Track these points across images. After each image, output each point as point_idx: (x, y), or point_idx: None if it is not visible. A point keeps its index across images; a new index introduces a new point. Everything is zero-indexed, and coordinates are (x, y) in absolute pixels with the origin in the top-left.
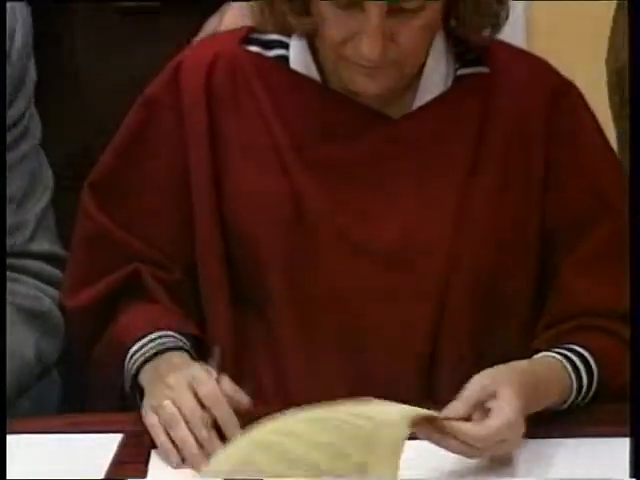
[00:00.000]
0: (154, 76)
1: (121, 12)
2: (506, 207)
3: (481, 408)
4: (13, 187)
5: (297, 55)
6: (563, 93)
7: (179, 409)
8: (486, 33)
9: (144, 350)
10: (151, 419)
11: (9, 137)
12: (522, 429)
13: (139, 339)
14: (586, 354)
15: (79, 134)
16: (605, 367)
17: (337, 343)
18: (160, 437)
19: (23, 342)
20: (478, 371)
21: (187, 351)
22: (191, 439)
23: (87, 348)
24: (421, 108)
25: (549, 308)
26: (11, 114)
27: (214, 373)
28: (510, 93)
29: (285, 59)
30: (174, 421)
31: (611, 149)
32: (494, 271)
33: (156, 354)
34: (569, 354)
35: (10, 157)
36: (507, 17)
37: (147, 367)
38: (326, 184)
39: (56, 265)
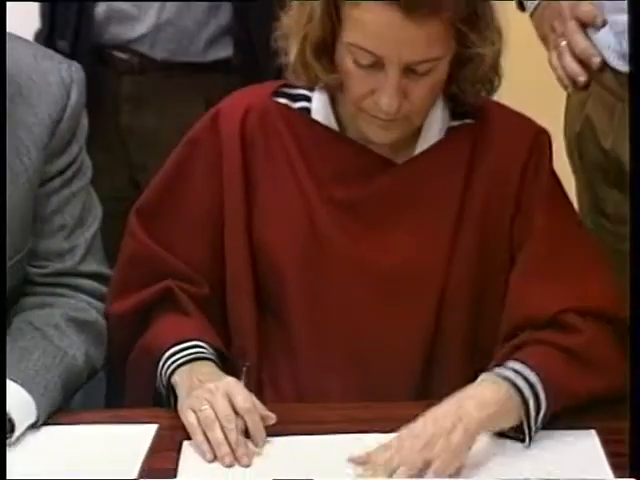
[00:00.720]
0: (182, 124)
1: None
2: (487, 237)
3: None
4: (66, 217)
5: (318, 107)
6: (538, 145)
7: (216, 413)
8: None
9: (179, 356)
10: (190, 418)
11: (64, 177)
12: (448, 446)
13: (173, 345)
14: (520, 367)
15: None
16: (546, 379)
17: (345, 351)
18: (197, 436)
19: (74, 347)
20: (468, 371)
21: (215, 363)
22: (224, 441)
23: (123, 351)
24: (421, 155)
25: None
26: (65, 159)
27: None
28: (494, 141)
29: (307, 110)
30: (211, 423)
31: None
32: (479, 289)
33: (189, 361)
34: (507, 372)
35: (65, 193)
36: (500, 83)
37: (181, 370)
38: (341, 219)
39: (102, 282)
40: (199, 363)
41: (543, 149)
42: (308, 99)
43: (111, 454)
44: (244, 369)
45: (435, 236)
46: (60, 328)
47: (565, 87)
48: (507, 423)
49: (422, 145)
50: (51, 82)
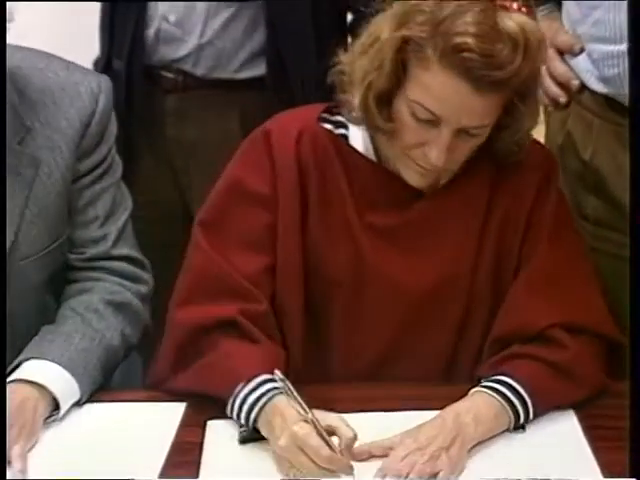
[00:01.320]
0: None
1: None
2: (503, 257)
3: None
4: (98, 209)
5: (357, 137)
6: (548, 169)
7: (300, 469)
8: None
9: (258, 394)
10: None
11: (95, 174)
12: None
13: (252, 379)
14: (515, 384)
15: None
16: (533, 393)
17: (377, 357)
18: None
19: (111, 329)
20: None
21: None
22: None
23: (180, 350)
24: (446, 186)
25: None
26: (95, 158)
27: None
28: (510, 169)
29: (345, 137)
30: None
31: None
32: (496, 304)
33: (267, 401)
34: (500, 387)
35: (96, 188)
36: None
37: (262, 413)
38: (379, 244)
39: (133, 264)
40: (276, 399)
41: (552, 173)
42: (346, 127)
43: (147, 428)
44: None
45: (459, 259)
46: (98, 312)
47: (546, 107)
48: (499, 431)
49: (448, 175)
50: (81, 92)
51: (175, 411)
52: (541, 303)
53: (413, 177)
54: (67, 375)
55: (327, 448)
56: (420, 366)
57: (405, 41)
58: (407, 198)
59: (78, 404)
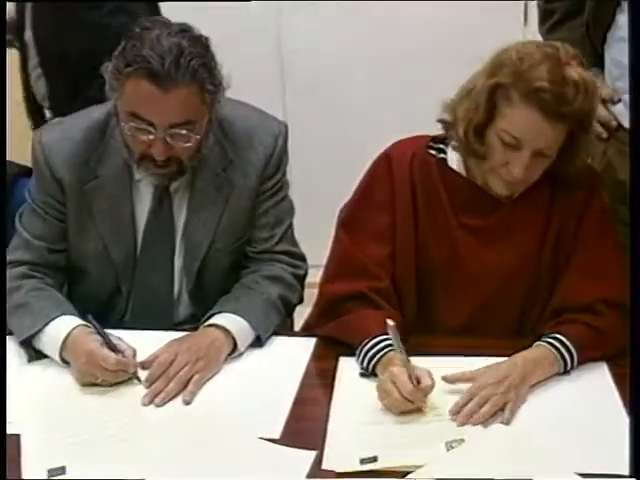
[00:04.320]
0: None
1: None
2: (559, 253)
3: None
4: (270, 217)
5: (453, 159)
6: (595, 185)
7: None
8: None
9: (380, 347)
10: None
11: (270, 192)
12: (507, 388)
13: (376, 336)
14: (566, 341)
15: None
16: (579, 348)
17: (467, 320)
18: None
19: (269, 291)
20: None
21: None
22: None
23: (325, 313)
24: (517, 199)
25: (550, 306)
26: (272, 181)
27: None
28: (566, 185)
29: (444, 160)
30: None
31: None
32: (551, 286)
33: (385, 353)
34: (555, 342)
35: (270, 202)
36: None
37: (379, 363)
38: (467, 237)
39: (292, 257)
40: (389, 355)
41: (596, 186)
42: (444, 152)
43: (279, 362)
44: (392, 328)
45: (525, 254)
46: (258, 282)
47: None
48: (552, 374)
49: (524, 187)
50: (267, 134)
51: (306, 345)
52: (587, 284)
53: (499, 188)
54: (244, 323)
55: (411, 385)
56: (494, 331)
57: (496, 86)
58: (489, 206)
59: (260, 344)
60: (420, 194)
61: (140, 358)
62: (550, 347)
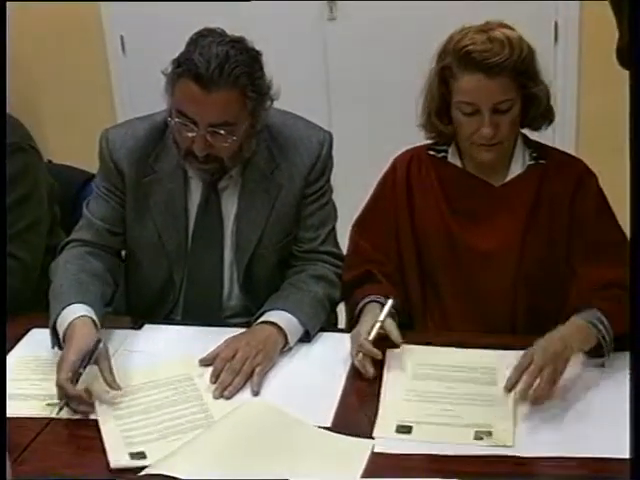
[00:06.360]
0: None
1: None
2: (552, 237)
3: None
4: (314, 219)
5: (452, 154)
6: (587, 177)
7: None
8: (544, 128)
9: (367, 300)
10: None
11: (315, 196)
12: (555, 359)
13: (371, 296)
14: (602, 316)
15: None
16: (613, 321)
17: (466, 292)
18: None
19: (315, 289)
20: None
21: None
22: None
23: (345, 292)
24: (509, 181)
25: (577, 285)
26: (317, 186)
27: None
28: (553, 175)
29: (444, 158)
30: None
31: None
32: (542, 264)
33: (369, 299)
34: (592, 319)
35: (315, 205)
36: (554, 119)
37: (365, 309)
38: (462, 222)
39: (333, 257)
40: (369, 307)
41: (585, 177)
42: (446, 151)
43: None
44: (389, 302)
45: (514, 233)
46: (305, 281)
47: None
48: (588, 348)
49: (510, 176)
50: (312, 142)
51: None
52: (602, 271)
53: (481, 155)
54: (294, 319)
55: (367, 338)
56: (495, 299)
57: (441, 70)
58: (482, 189)
59: (308, 339)
60: (416, 186)
61: (196, 353)
62: (586, 322)
